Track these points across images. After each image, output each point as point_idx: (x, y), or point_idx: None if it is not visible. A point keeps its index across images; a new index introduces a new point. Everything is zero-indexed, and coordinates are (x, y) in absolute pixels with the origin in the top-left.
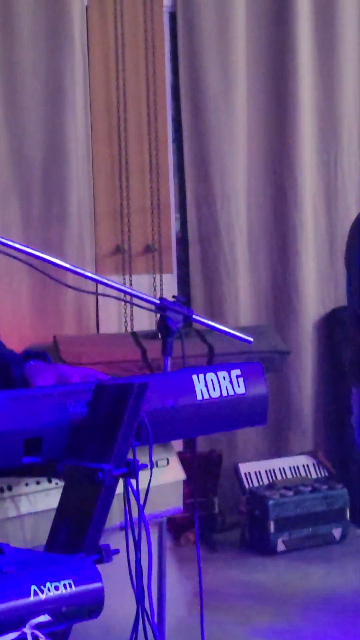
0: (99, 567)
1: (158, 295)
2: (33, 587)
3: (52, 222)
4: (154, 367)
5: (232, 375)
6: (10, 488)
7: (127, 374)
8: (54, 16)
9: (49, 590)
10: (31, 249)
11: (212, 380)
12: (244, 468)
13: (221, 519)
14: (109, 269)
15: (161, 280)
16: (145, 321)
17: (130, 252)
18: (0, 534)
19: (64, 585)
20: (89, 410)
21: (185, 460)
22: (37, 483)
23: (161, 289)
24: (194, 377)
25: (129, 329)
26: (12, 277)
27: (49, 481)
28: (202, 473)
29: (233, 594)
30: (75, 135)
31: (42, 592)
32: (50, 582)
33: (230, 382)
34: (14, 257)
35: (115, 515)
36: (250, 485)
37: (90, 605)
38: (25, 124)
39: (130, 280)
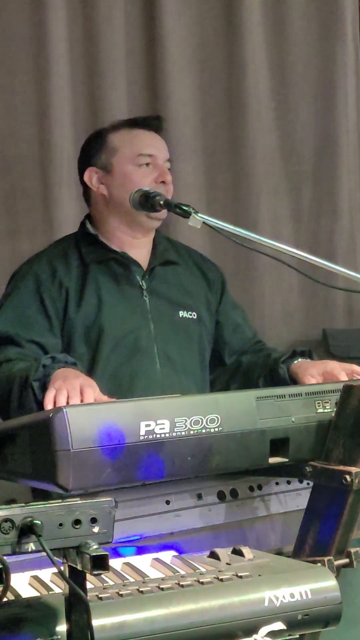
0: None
1: None
2: (267, 594)
3: (322, 216)
4: None
5: None
6: (260, 487)
7: None
8: (325, 4)
9: (283, 597)
10: (301, 253)
11: None
12: None
13: None
14: None
15: None
16: None
17: None
18: (250, 534)
19: (300, 593)
20: (337, 411)
21: None
22: (288, 483)
23: None
24: None
25: None
26: (282, 271)
27: (300, 481)
28: None
29: None
30: (347, 128)
31: (277, 598)
32: (286, 588)
33: None
34: (282, 262)
35: None
36: None
37: (328, 615)
38: (295, 119)
39: None
